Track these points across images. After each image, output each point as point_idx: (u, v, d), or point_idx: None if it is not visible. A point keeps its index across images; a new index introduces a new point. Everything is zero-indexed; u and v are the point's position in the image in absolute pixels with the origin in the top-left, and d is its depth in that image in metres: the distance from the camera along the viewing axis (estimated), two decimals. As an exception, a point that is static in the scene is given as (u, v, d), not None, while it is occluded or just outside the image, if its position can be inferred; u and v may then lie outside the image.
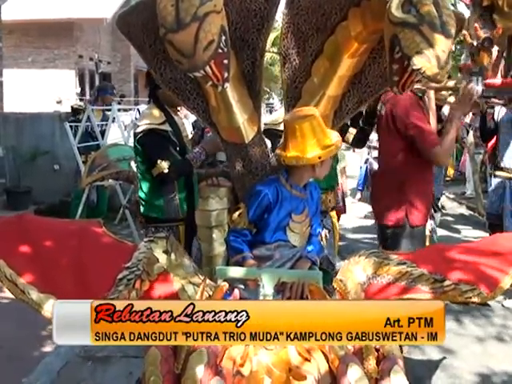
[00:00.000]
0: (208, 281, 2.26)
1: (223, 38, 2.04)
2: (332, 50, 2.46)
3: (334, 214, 3.99)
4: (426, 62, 1.92)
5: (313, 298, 2.18)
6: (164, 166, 3.28)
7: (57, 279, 2.07)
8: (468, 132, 7.07)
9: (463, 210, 9.87)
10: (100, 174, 6.09)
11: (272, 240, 2.49)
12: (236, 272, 2.26)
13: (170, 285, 2.23)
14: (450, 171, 11.61)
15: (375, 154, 9.55)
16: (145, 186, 3.52)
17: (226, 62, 2.10)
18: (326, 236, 3.71)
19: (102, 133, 7.51)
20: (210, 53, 1.99)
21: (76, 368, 3.72)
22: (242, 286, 2.27)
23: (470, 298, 2.06)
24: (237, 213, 2.53)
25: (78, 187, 7.23)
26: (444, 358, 3.97)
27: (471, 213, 9.64)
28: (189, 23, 1.95)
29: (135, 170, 4.62)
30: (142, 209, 3.59)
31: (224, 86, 2.16)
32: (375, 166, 9.62)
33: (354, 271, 2.28)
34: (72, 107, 8.32)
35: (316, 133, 2.36)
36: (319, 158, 2.38)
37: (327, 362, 1.84)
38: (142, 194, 3.56)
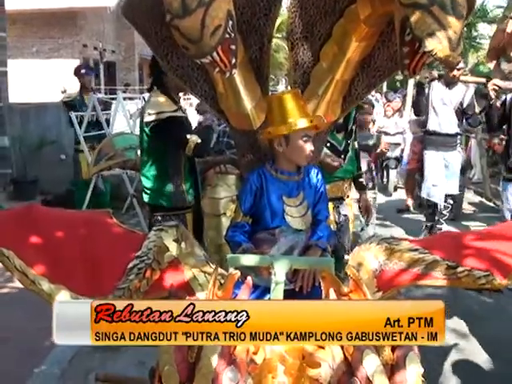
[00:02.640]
0: (219, 269, 2.24)
1: (230, 22, 2.01)
2: (341, 34, 2.42)
3: (349, 200, 3.96)
4: (437, 43, 1.88)
5: (325, 285, 2.16)
6: (195, 138, 3.33)
7: (67, 270, 2.06)
8: (480, 122, 6.71)
9: (471, 195, 9.83)
10: (107, 163, 6.11)
11: (273, 225, 2.48)
12: (247, 260, 2.24)
13: (181, 273, 2.22)
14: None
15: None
16: (151, 174, 3.51)
17: (233, 47, 2.06)
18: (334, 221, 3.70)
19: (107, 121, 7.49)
20: (217, 38, 1.96)
21: (86, 358, 3.73)
22: (253, 274, 2.26)
23: (484, 284, 2.04)
24: (231, 207, 2.52)
25: (80, 178, 7.24)
26: (457, 343, 3.97)
27: (479, 198, 9.60)
28: (195, 8, 1.93)
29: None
30: (146, 198, 3.58)
31: (231, 72, 2.13)
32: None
33: (366, 258, 2.25)
34: (63, 102, 7.70)
35: (294, 106, 2.38)
36: (269, 133, 2.38)
37: (342, 349, 1.83)
38: (147, 183, 3.54)
